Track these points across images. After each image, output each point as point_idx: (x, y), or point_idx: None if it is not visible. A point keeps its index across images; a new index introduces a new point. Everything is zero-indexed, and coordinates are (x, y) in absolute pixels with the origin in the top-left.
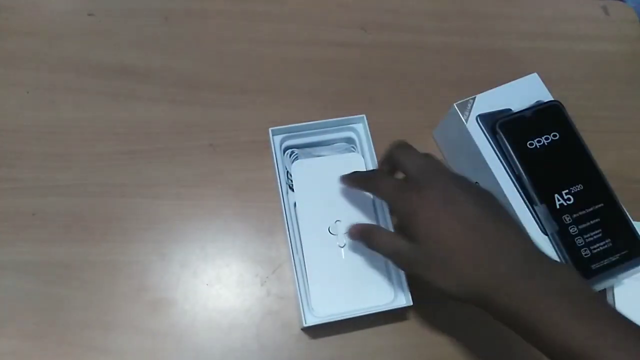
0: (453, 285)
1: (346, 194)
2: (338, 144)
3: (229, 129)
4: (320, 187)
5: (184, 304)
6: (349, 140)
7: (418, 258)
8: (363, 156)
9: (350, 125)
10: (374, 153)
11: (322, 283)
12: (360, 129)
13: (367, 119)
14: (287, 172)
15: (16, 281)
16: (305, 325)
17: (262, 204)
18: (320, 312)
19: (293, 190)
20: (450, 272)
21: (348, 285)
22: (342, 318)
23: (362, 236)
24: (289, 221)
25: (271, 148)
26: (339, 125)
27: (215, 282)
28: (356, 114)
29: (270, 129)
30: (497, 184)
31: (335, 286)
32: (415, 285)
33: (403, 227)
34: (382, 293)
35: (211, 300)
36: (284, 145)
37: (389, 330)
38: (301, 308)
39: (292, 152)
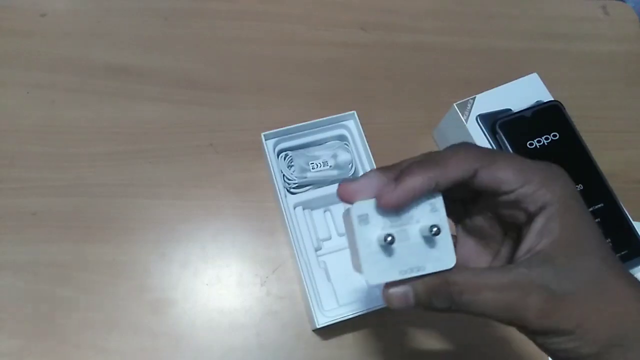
0: None
1: None
2: (331, 142)
3: (229, 129)
4: None
5: (184, 304)
6: (342, 138)
7: None
8: (357, 153)
9: (342, 123)
10: (367, 149)
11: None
12: (351, 126)
13: (364, 118)
14: (284, 174)
15: (16, 281)
16: (318, 326)
17: (262, 203)
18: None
19: (292, 194)
20: None
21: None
22: (350, 317)
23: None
24: (290, 223)
25: (265, 153)
26: (330, 124)
27: (215, 282)
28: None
29: (262, 134)
30: None
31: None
32: None
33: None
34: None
35: (211, 300)
36: (277, 149)
37: (391, 329)
38: (312, 309)
39: (287, 155)
